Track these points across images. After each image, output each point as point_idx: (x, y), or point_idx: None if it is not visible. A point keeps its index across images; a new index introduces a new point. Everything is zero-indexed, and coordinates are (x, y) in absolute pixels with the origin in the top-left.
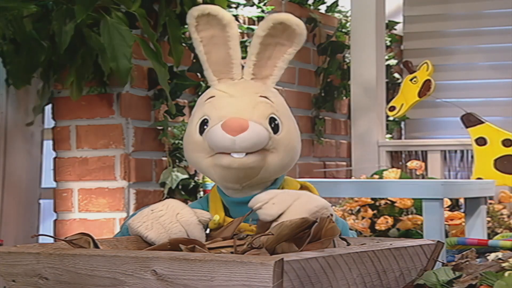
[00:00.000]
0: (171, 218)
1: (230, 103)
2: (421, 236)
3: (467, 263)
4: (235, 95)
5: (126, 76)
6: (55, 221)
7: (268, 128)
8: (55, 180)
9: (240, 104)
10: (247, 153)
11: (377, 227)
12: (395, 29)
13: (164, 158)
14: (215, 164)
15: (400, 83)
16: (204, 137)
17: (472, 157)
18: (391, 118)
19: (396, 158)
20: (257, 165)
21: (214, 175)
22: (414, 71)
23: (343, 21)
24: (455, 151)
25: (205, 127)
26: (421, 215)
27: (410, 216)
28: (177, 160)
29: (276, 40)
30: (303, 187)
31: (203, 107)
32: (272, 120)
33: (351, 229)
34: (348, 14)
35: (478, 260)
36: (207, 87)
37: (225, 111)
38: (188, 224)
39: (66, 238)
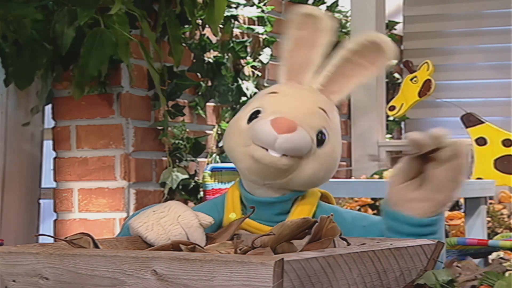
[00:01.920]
0: (172, 220)
1: (288, 103)
2: None
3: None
4: (297, 98)
5: (84, 86)
6: (55, 221)
7: (313, 139)
8: (55, 180)
9: (298, 107)
10: (283, 155)
11: None
12: (395, 29)
13: (164, 158)
14: (248, 153)
15: (400, 83)
16: (251, 126)
17: (472, 157)
18: (391, 118)
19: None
20: (287, 169)
21: (243, 164)
22: (414, 71)
23: (343, 21)
24: None
25: (256, 116)
26: None
27: None
28: (177, 160)
29: (360, 60)
30: (323, 196)
31: (262, 98)
32: (320, 133)
33: None
34: (348, 14)
35: (478, 260)
36: (207, 87)
37: (280, 108)
38: (189, 227)
39: (66, 238)
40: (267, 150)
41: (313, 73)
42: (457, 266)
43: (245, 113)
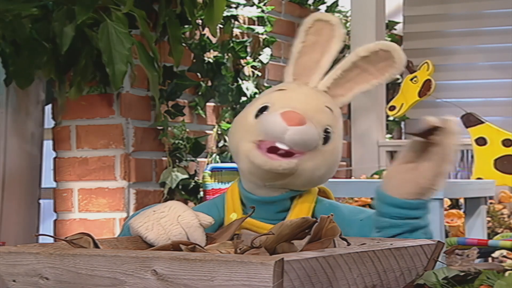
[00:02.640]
0: (172, 220)
1: (298, 99)
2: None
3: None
4: (305, 94)
5: (120, 81)
6: (55, 221)
7: (320, 135)
8: (55, 180)
9: (306, 103)
10: (285, 151)
11: None
12: (395, 29)
13: (164, 158)
14: (249, 159)
15: (400, 83)
16: (259, 120)
17: (472, 157)
18: (391, 118)
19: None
20: (287, 172)
21: (244, 163)
22: (414, 71)
23: (343, 21)
24: None
25: (264, 112)
26: None
27: None
28: (177, 160)
29: (367, 67)
30: (321, 191)
31: (270, 95)
32: (326, 130)
33: None
34: (348, 14)
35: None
36: (207, 87)
37: (291, 103)
38: (188, 227)
39: (66, 238)
40: (270, 152)
41: (320, 76)
42: (457, 255)
43: (252, 109)
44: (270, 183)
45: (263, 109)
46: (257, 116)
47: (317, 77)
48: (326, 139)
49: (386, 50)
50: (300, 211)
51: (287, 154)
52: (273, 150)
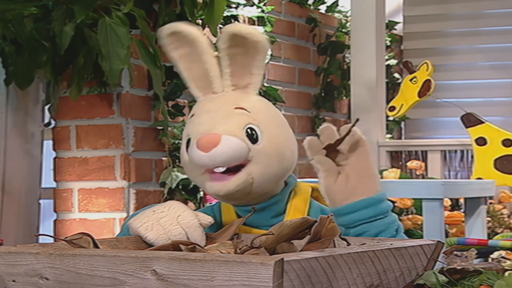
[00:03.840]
0: (171, 220)
1: (205, 120)
2: (421, 236)
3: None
4: (211, 110)
5: (117, 78)
6: (55, 221)
7: (244, 140)
8: (55, 180)
9: (214, 119)
10: (228, 169)
11: None
12: (395, 29)
13: (164, 158)
14: (206, 190)
15: (400, 83)
16: (189, 157)
17: (472, 157)
18: (391, 118)
19: (396, 158)
20: (243, 186)
21: (211, 196)
22: (414, 71)
23: (343, 21)
24: (455, 151)
25: (188, 145)
26: (421, 215)
27: (410, 216)
28: (177, 160)
29: (242, 50)
30: (314, 190)
31: (188, 125)
32: (250, 130)
33: None
34: (348, 14)
35: (478, 260)
36: None
37: (201, 128)
38: (188, 227)
39: (66, 238)
40: (213, 173)
41: (219, 78)
42: (456, 255)
43: (183, 146)
44: (245, 199)
45: (188, 142)
46: (188, 151)
47: (217, 82)
48: (254, 139)
49: (233, 34)
50: (295, 212)
51: (235, 168)
52: (219, 175)
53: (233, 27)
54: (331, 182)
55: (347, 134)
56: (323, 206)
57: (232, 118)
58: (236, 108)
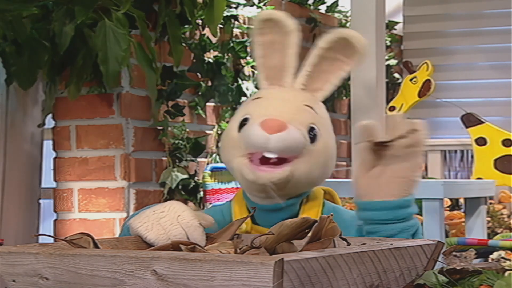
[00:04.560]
0: (172, 220)
1: (274, 105)
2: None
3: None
4: (281, 99)
5: (113, 80)
6: (55, 221)
7: (305, 136)
8: (55, 180)
9: (283, 107)
10: (278, 159)
11: None
12: (395, 29)
13: (164, 158)
14: (242, 175)
15: (400, 83)
16: (241, 133)
17: (472, 157)
18: None
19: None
20: (284, 181)
21: (240, 180)
22: (414, 71)
23: (343, 21)
24: (455, 151)
25: (245, 124)
26: (421, 215)
27: None
28: (177, 160)
29: (335, 55)
30: (326, 193)
31: (248, 105)
32: (311, 129)
33: None
34: (348, 14)
35: (478, 260)
36: (207, 87)
37: (267, 111)
38: (188, 227)
39: (66, 238)
40: (260, 163)
41: (293, 74)
42: (455, 256)
43: (234, 122)
44: (269, 194)
45: (244, 121)
46: (240, 129)
47: (289, 77)
48: (313, 138)
49: (343, 37)
50: (309, 215)
51: (280, 162)
52: (264, 161)
53: (347, 31)
54: (362, 173)
55: (409, 133)
56: (336, 205)
57: (300, 112)
58: (305, 105)
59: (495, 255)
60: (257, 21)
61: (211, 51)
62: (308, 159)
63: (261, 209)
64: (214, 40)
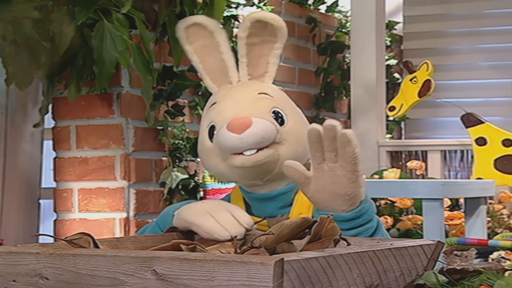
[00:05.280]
0: (222, 208)
1: (231, 105)
2: (421, 236)
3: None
4: (235, 97)
5: (105, 82)
6: (55, 221)
7: (273, 121)
8: (55, 180)
9: (240, 104)
10: (258, 150)
11: None
12: (395, 29)
13: (164, 158)
14: (230, 166)
15: (400, 83)
16: (215, 142)
17: (472, 157)
18: (391, 118)
19: (396, 158)
20: (271, 159)
21: (233, 177)
22: (414, 71)
23: (343, 21)
24: (455, 151)
25: (213, 132)
26: (421, 215)
27: (410, 216)
28: (177, 160)
29: (260, 38)
30: None
31: (209, 113)
32: (275, 113)
33: None
34: (348, 14)
35: (478, 260)
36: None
37: (228, 113)
38: (238, 215)
39: (66, 238)
40: (242, 153)
41: (235, 69)
42: (456, 255)
43: (204, 133)
44: (267, 178)
45: (212, 129)
46: (211, 138)
47: (234, 72)
48: (281, 121)
49: (257, 20)
50: (301, 204)
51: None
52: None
53: (258, 13)
54: (307, 191)
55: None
56: None
57: (258, 102)
58: (259, 93)
59: (495, 255)
60: (180, 30)
61: None
62: (286, 141)
63: (256, 198)
64: None
